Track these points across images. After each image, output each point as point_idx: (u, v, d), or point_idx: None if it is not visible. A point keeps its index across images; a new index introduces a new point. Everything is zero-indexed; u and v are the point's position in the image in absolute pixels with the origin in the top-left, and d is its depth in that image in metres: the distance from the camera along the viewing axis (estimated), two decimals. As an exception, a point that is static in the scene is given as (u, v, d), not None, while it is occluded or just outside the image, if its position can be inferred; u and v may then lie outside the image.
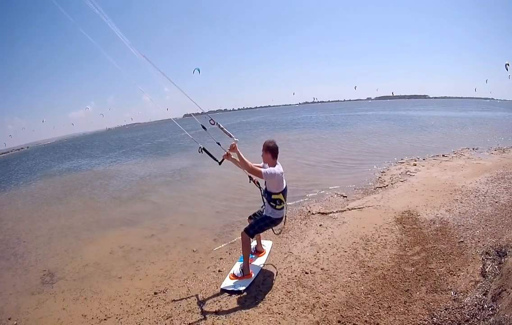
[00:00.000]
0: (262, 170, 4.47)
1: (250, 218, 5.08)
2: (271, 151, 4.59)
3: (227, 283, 4.69)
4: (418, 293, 3.93)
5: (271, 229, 5.01)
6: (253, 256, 5.27)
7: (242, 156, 4.50)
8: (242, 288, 4.52)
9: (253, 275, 4.79)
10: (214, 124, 4.86)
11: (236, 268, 4.95)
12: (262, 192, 4.87)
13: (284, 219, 4.82)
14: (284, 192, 4.60)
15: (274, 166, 4.56)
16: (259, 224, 4.78)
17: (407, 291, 3.99)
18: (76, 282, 5.71)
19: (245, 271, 4.78)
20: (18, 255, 7.61)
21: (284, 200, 4.63)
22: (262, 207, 4.99)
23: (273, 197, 4.58)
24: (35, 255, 7.41)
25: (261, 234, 5.29)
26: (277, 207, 4.63)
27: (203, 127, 5.03)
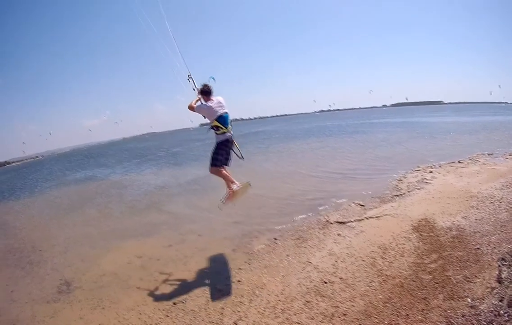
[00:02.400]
0: (195, 105, 6.45)
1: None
2: (203, 93, 6.43)
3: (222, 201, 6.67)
4: (435, 300, 4.15)
5: (237, 156, 6.68)
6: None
7: (192, 101, 6.54)
8: (234, 186, 6.45)
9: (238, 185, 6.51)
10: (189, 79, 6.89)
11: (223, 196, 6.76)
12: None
13: (233, 141, 6.54)
14: (219, 119, 6.24)
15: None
16: (213, 153, 6.45)
17: (425, 299, 4.21)
18: (93, 292, 5.96)
19: (230, 186, 6.56)
20: (34, 263, 7.95)
21: (221, 126, 6.27)
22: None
23: (212, 125, 6.32)
24: (51, 263, 7.73)
25: (231, 177, 6.70)
26: (218, 132, 6.32)
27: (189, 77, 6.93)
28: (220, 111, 6.25)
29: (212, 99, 6.34)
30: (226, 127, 6.30)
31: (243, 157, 6.71)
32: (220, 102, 6.36)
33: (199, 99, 6.51)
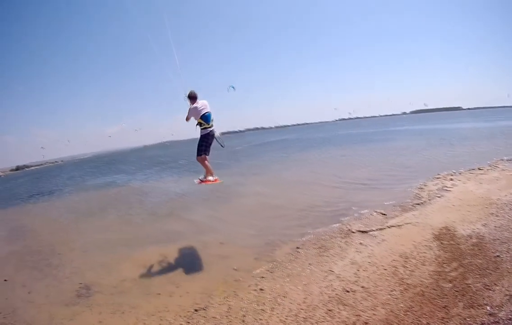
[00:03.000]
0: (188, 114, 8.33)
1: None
2: (190, 98, 8.38)
3: (198, 180, 9.01)
4: (455, 309, 4.48)
5: (220, 145, 8.89)
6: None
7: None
8: (210, 177, 8.68)
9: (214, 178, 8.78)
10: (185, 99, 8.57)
11: (201, 176, 8.98)
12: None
13: (213, 135, 8.48)
14: (202, 117, 8.21)
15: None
16: (198, 145, 8.42)
17: (445, 307, 4.55)
18: (113, 296, 6.35)
19: (207, 175, 8.73)
20: (52, 266, 8.46)
21: (204, 123, 8.25)
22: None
23: (197, 122, 8.30)
24: (70, 267, 8.21)
25: (211, 170, 8.79)
26: (202, 128, 8.33)
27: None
28: (203, 111, 8.26)
29: (197, 102, 8.33)
30: (208, 124, 8.33)
31: (223, 146, 9.00)
32: (204, 104, 8.34)
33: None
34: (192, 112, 8.26)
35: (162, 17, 9.28)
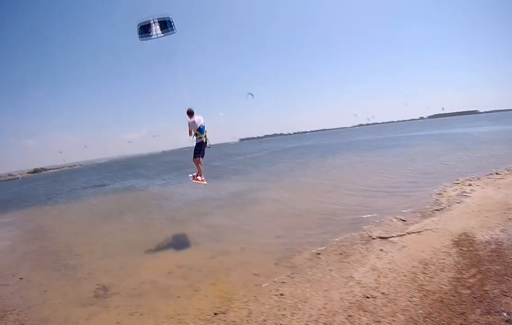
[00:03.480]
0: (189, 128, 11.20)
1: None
2: (188, 113, 11.04)
3: (191, 175, 11.90)
4: (473, 315, 4.75)
5: (205, 149, 11.59)
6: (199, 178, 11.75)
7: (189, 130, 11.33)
8: (199, 177, 11.58)
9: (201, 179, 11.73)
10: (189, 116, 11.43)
11: (194, 173, 11.98)
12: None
13: (205, 142, 11.31)
14: (198, 129, 10.99)
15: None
16: (194, 150, 11.33)
17: (463, 314, 4.81)
18: (131, 298, 6.68)
19: (198, 175, 11.70)
20: (70, 266, 8.90)
21: (198, 133, 11.05)
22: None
23: (193, 133, 11.05)
24: (88, 268, 8.61)
25: (201, 171, 11.84)
26: (197, 137, 11.16)
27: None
28: (199, 124, 11.04)
29: (194, 117, 11.02)
30: (202, 134, 11.14)
31: (209, 147, 11.53)
32: (200, 118, 11.10)
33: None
34: (191, 125, 11.05)
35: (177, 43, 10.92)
